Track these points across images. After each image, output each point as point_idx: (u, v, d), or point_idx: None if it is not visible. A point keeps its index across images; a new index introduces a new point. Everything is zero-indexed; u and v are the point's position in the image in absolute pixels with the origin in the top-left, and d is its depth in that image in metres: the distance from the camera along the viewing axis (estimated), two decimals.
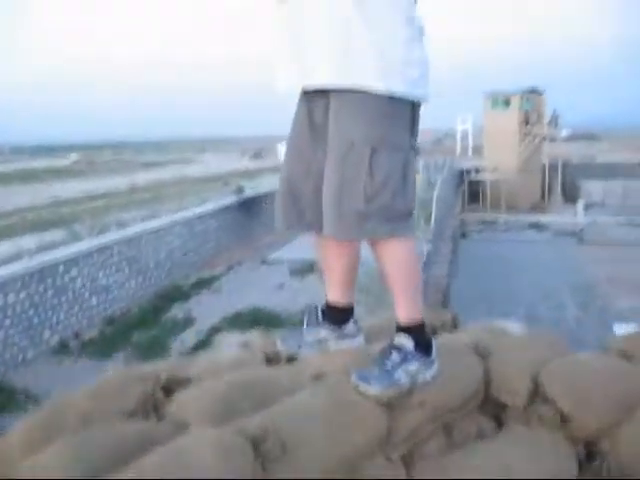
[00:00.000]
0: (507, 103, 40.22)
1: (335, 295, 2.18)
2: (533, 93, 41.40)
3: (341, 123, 1.88)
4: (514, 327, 2.58)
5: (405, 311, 1.96)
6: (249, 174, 42.43)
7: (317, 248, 2.17)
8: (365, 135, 1.84)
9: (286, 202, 2.04)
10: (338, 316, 2.19)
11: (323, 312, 2.19)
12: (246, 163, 59.73)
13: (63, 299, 16.51)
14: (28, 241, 17.57)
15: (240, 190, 28.62)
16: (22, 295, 15.05)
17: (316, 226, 1.98)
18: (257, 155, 73.61)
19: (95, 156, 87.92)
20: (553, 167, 41.20)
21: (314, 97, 1.97)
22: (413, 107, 1.93)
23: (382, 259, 1.95)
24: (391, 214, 1.86)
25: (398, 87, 1.84)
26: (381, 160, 1.84)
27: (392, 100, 1.85)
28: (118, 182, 40.89)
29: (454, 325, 2.56)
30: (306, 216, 2.02)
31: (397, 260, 1.94)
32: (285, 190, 2.04)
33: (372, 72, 1.82)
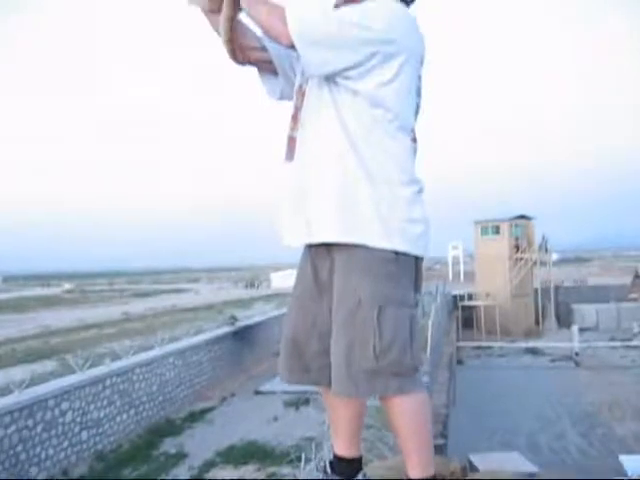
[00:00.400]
0: (497, 230, 41.03)
1: (343, 447, 2.15)
2: (522, 219, 42.30)
3: (348, 280, 1.92)
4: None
5: (417, 466, 1.93)
6: (243, 303, 42.43)
7: (325, 401, 2.15)
8: (372, 293, 1.87)
9: (291, 356, 2.04)
10: (347, 469, 2.14)
11: (331, 464, 2.15)
12: (239, 292, 59.92)
13: (52, 433, 16.03)
14: (18, 373, 17.28)
15: (233, 319, 28.55)
16: (10, 430, 14.61)
17: (322, 381, 1.99)
18: (251, 284, 74.05)
19: (88, 285, 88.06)
20: (545, 291, 41.43)
21: (319, 251, 2.02)
22: (416, 262, 1.98)
23: (392, 414, 1.93)
24: (400, 370, 1.87)
25: (402, 245, 1.90)
26: (389, 318, 1.87)
27: (397, 257, 1.90)
28: (111, 311, 40.79)
29: (463, 474, 2.50)
30: (311, 370, 2.02)
31: (407, 415, 1.93)
32: (289, 344, 2.05)
33: (377, 230, 1.88)
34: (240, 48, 2.16)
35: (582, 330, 34.10)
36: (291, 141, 2.05)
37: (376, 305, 1.86)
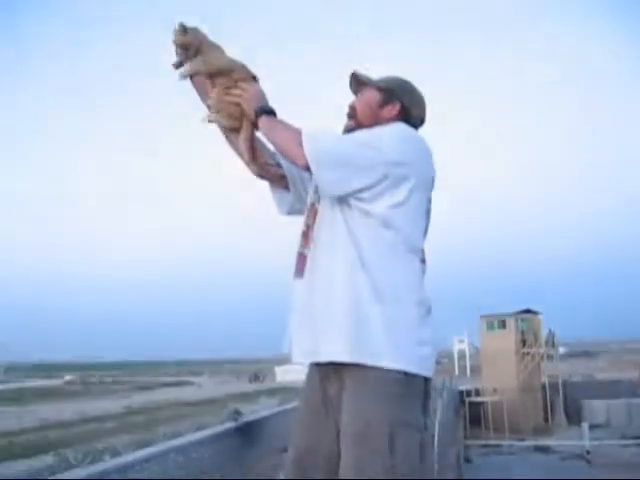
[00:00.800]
0: (503, 325, 40.70)
1: None
2: (528, 314, 42.02)
3: (357, 401, 1.91)
4: None
5: None
6: (247, 396, 41.75)
7: None
8: (382, 414, 1.87)
9: (296, 477, 2.03)
10: None
11: None
12: (243, 385, 59.06)
13: None
14: (14, 468, 16.85)
15: (237, 414, 28.01)
16: None
17: None
18: (256, 378, 72.94)
19: (90, 377, 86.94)
20: (553, 386, 40.69)
21: (327, 370, 2.02)
22: (425, 383, 1.99)
23: None
24: None
25: (412, 366, 1.92)
26: (399, 440, 1.85)
27: (406, 378, 1.91)
28: (112, 404, 40.13)
29: None
30: None
31: None
32: (295, 465, 2.04)
33: (387, 351, 1.90)
34: (255, 163, 2.27)
35: (592, 427, 33.27)
36: (301, 258, 2.10)
37: (386, 427, 1.85)
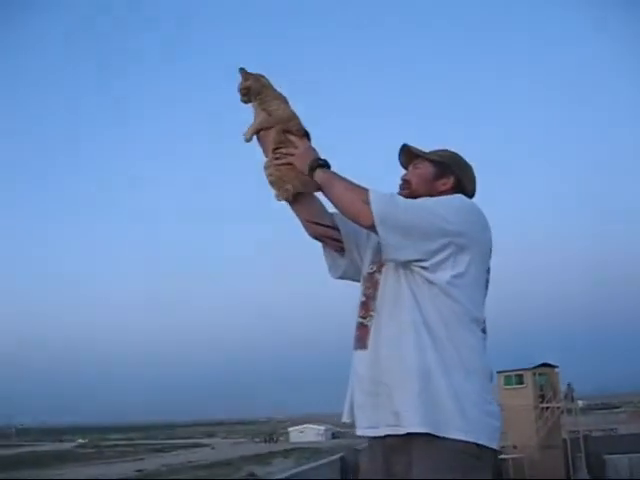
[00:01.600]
0: (521, 380, 40.07)
1: None
2: (546, 367, 41.41)
3: (431, 473, 1.89)
4: None
5: None
6: (261, 458, 41.06)
7: None
8: None
9: None
10: None
11: None
12: (257, 446, 58.14)
13: None
14: None
15: (252, 476, 27.61)
16: None
17: None
18: (270, 439, 71.87)
19: (102, 439, 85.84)
20: (574, 442, 39.80)
21: (394, 444, 1.99)
22: (494, 455, 1.99)
23: None
24: None
25: (483, 438, 1.91)
26: None
27: (479, 451, 1.90)
28: (125, 468, 39.45)
29: None
30: None
31: None
32: None
33: (459, 423, 1.89)
34: (310, 223, 2.28)
35: None
36: (363, 329, 2.10)
37: None
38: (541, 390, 40.58)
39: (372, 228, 1.99)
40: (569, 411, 41.30)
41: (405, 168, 2.31)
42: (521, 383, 40.37)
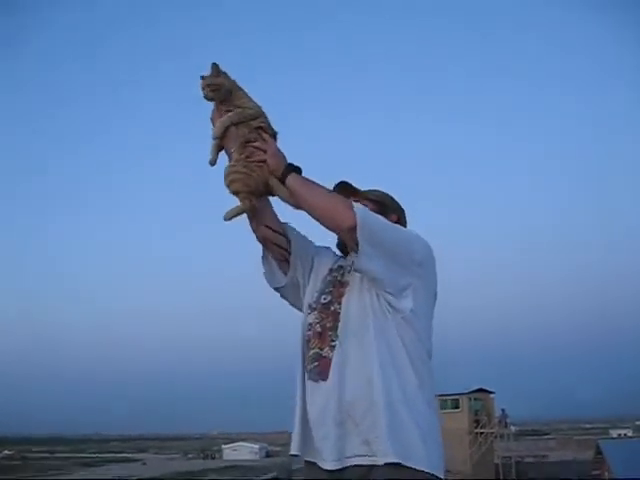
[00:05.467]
0: (456, 405, 40.48)
1: None
2: (482, 392, 41.94)
3: None
4: None
5: None
6: (194, 475, 40.45)
7: None
8: None
9: None
10: None
11: None
12: (189, 463, 57.32)
13: None
14: None
15: None
16: None
17: None
18: (206, 455, 71.04)
19: (29, 452, 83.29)
20: (506, 467, 40.41)
21: (352, 474, 1.96)
22: None
23: None
24: None
25: (438, 469, 1.95)
26: None
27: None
28: None
29: None
30: None
31: None
32: None
33: (421, 453, 1.91)
34: (261, 225, 2.22)
35: None
36: (322, 360, 2.05)
37: None
38: (476, 415, 41.17)
39: (351, 231, 1.95)
40: (502, 437, 42.02)
41: None
42: (457, 407, 40.82)
